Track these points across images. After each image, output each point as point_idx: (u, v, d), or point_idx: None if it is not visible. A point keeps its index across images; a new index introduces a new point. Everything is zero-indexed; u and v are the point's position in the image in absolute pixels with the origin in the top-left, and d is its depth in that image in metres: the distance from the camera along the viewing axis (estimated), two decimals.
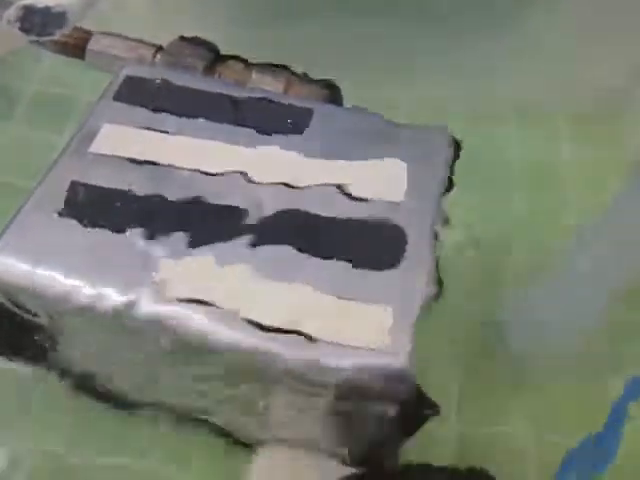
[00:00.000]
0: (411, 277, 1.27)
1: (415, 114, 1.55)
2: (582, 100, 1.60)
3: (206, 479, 1.23)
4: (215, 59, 1.67)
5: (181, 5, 1.84)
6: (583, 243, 1.35)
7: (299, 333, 1.20)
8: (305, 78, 1.61)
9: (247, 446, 1.25)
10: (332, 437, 1.23)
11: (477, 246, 1.40)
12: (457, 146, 1.45)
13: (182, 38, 1.69)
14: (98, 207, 1.37)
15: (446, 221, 1.38)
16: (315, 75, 1.60)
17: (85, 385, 1.34)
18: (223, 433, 1.27)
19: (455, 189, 1.41)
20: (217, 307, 1.23)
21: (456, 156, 1.44)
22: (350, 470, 1.20)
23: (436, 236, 1.35)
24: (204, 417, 1.29)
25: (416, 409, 1.17)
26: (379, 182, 1.41)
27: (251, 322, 1.21)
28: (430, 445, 1.21)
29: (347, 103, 1.59)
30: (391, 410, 1.16)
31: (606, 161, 1.50)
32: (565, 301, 1.30)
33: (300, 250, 1.29)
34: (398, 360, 1.16)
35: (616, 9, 1.72)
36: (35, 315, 1.28)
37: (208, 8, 1.84)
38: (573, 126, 1.54)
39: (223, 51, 1.68)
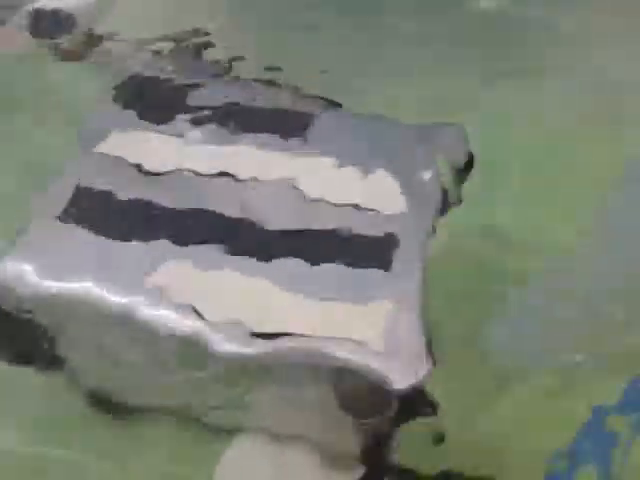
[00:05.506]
0: (408, 280, 1.29)
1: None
2: (582, 100, 1.59)
3: (178, 464, 1.24)
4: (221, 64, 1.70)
5: (184, 8, 1.86)
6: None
7: (301, 335, 1.22)
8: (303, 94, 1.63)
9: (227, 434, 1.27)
10: (325, 431, 1.24)
11: (476, 247, 1.40)
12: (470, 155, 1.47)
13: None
14: (103, 212, 1.40)
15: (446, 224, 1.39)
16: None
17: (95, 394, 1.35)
18: (205, 423, 1.29)
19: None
20: (216, 312, 1.25)
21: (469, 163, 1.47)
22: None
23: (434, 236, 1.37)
24: (196, 413, 1.30)
25: (413, 407, 1.20)
26: (379, 189, 1.41)
27: (251, 326, 1.23)
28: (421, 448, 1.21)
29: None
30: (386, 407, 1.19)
31: (606, 161, 1.49)
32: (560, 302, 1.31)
33: (300, 256, 1.31)
34: (399, 363, 1.18)
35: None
36: (41, 321, 1.30)
37: (211, 10, 1.85)
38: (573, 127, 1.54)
39: (227, 54, 1.70)
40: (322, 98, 1.60)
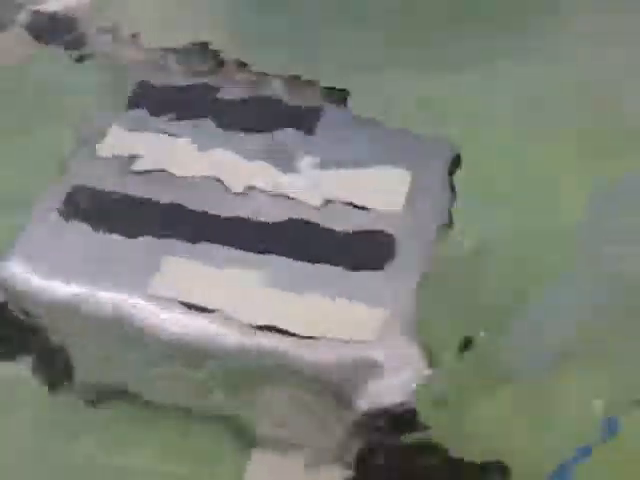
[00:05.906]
0: (406, 281, 1.30)
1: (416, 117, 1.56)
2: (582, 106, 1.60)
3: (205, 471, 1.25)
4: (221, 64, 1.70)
5: (185, 9, 1.86)
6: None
7: (299, 335, 1.23)
8: (310, 83, 1.63)
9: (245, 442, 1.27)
10: (326, 436, 1.25)
11: (477, 250, 1.40)
12: (458, 158, 1.48)
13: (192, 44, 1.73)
14: (103, 212, 1.40)
15: (445, 227, 1.40)
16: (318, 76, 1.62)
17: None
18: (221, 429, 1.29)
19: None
20: (217, 311, 1.26)
21: (456, 167, 1.47)
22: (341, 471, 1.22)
23: (436, 240, 1.37)
24: (202, 413, 1.31)
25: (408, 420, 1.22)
26: (378, 191, 1.43)
27: (251, 325, 1.25)
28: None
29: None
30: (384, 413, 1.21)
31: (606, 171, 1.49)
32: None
33: (298, 256, 1.33)
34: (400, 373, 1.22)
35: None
36: (42, 322, 1.32)
37: (212, 12, 1.86)
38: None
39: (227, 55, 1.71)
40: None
